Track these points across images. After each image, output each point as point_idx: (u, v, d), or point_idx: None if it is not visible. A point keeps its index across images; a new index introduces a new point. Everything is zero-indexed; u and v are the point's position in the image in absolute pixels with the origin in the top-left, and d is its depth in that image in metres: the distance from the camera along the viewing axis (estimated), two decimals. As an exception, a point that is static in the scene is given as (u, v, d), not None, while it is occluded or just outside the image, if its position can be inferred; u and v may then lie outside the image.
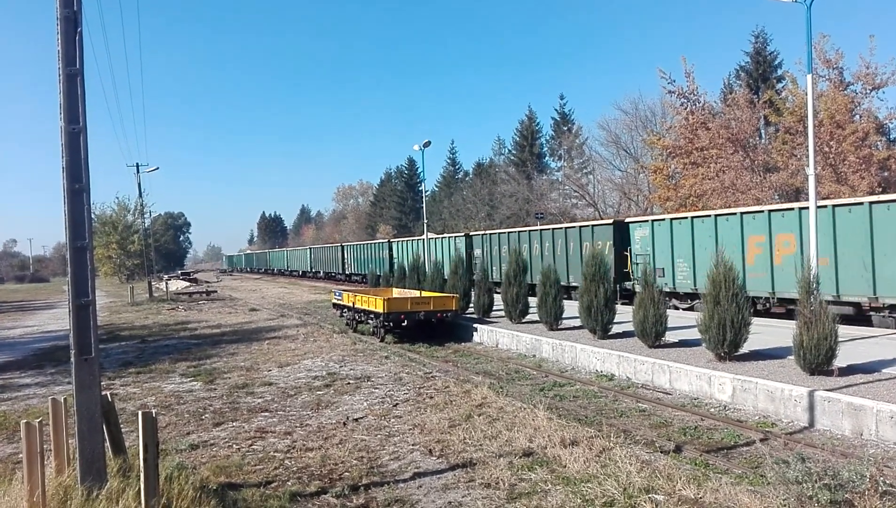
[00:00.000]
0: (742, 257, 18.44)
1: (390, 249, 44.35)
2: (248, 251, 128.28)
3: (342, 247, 56.56)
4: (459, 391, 11.22)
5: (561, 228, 27.07)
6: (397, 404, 10.62)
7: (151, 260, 55.33)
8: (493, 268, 30.48)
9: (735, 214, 19.24)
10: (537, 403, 9.78)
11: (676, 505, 5.80)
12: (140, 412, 5.49)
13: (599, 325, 14.92)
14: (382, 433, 8.89)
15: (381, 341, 18.61)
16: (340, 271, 53.83)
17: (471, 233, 35.81)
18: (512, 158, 71.76)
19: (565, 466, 7.00)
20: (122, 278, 72.99)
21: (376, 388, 12.01)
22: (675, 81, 33.51)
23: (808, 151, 14.11)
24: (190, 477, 6.34)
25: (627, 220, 24.40)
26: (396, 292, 22.78)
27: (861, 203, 15.99)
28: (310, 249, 69.23)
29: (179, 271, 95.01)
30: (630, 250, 23.16)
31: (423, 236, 35.77)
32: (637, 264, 22.27)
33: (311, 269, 65.47)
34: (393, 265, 38.36)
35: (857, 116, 29.03)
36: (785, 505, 5.56)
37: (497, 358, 15.62)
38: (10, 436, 9.43)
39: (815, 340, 9.97)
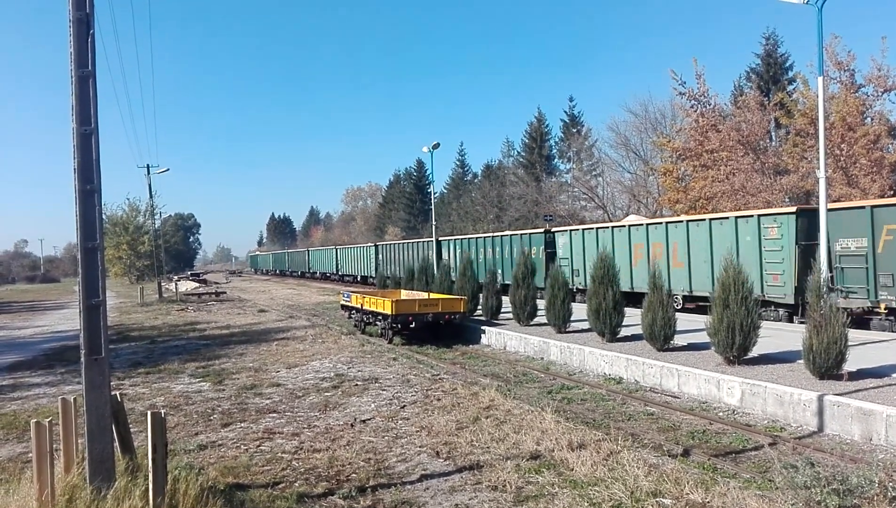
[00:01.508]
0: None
1: (550, 243, 29.18)
2: (278, 250, 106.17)
3: (438, 243, 37.64)
4: (467, 393, 11.22)
5: None
6: (405, 406, 10.63)
7: (161, 261, 55.61)
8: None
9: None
10: (545, 406, 9.77)
11: (684, 509, 5.78)
12: (149, 413, 5.53)
13: (608, 328, 14.89)
14: (390, 435, 8.90)
15: (389, 342, 18.64)
16: (432, 279, 28.00)
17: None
18: (521, 159, 71.69)
19: (573, 469, 6.99)
20: (132, 279, 73.43)
21: (384, 390, 12.02)
22: (685, 83, 33.47)
23: (818, 153, 14.04)
24: (198, 478, 6.37)
25: None
26: (405, 294, 22.80)
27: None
28: (375, 246, 49.34)
29: (189, 272, 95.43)
30: None
31: (605, 224, 27.65)
32: None
33: (375, 273, 44.73)
34: (550, 269, 20.49)
35: (869, 119, 28.87)
36: (793, 510, 5.53)
37: (505, 361, 15.61)
38: (20, 435, 9.50)
39: (824, 344, 9.93)
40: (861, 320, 16.05)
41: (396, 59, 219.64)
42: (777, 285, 17.65)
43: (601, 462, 7.10)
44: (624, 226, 24.49)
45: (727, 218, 19.69)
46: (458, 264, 26.19)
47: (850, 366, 10.22)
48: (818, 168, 13.78)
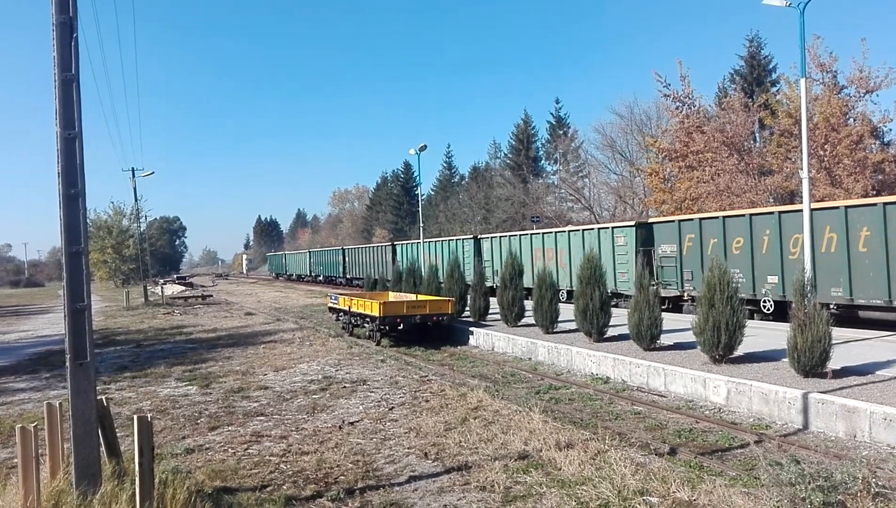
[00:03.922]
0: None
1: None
2: (323, 247, 75.05)
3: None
4: (455, 394, 11.23)
5: None
6: (393, 407, 10.63)
7: (147, 264, 55.21)
8: None
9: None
10: (533, 406, 9.80)
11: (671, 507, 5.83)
12: (135, 417, 5.50)
13: (595, 328, 14.96)
14: (378, 437, 8.90)
15: (377, 344, 18.62)
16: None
17: None
18: (508, 161, 71.84)
19: (560, 469, 7.02)
20: (118, 283, 72.80)
21: (372, 392, 12.01)
22: (670, 85, 33.68)
23: (802, 154, 14.18)
24: (185, 481, 6.35)
25: None
26: (392, 296, 22.79)
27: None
28: (511, 238, 30.37)
29: (175, 276, 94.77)
30: None
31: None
32: None
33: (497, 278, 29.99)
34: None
35: (852, 120, 29.16)
36: (778, 507, 5.58)
37: (493, 361, 15.64)
38: (5, 441, 9.40)
39: (808, 342, 10.03)
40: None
41: (383, 61, 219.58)
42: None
43: (589, 461, 7.14)
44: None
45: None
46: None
47: (834, 364, 10.34)
48: (802, 169, 13.92)
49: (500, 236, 31.86)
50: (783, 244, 17.34)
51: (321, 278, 62.12)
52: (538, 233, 28.98)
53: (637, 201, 45.92)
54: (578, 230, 25.81)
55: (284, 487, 7.07)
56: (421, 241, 35.37)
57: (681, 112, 33.86)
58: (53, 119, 5.79)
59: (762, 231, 17.99)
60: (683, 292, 20.81)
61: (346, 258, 54.16)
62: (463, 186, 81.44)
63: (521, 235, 30.24)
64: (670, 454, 7.98)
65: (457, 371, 14.57)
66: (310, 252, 68.58)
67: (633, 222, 23.33)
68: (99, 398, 6.01)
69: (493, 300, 20.61)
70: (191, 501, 5.90)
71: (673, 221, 21.36)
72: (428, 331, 18.84)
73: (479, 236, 34.21)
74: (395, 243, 45.62)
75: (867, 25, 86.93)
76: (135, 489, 5.48)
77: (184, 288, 59.39)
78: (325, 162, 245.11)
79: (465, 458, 7.70)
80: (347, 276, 53.06)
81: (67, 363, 5.70)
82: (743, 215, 18.92)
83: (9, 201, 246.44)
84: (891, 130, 31.20)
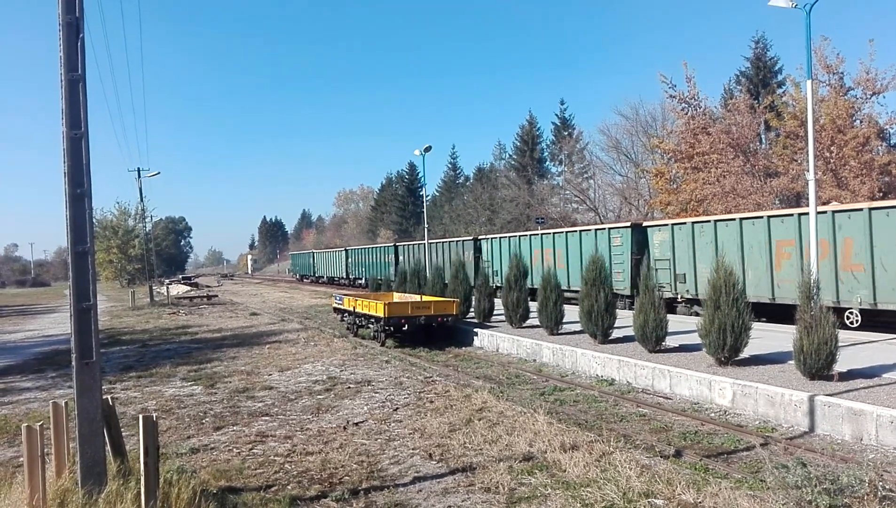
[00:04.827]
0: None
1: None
2: (360, 244, 68.81)
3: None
4: (460, 395, 11.22)
5: None
6: (398, 408, 10.62)
7: (152, 264, 55.34)
8: None
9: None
10: (537, 407, 9.77)
11: (676, 510, 5.80)
12: (141, 416, 5.51)
13: (600, 330, 14.93)
14: (383, 438, 8.89)
15: (382, 345, 18.62)
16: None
17: None
18: (513, 162, 71.81)
19: (565, 470, 7.00)
20: (123, 283, 73.08)
21: (377, 392, 12.01)
22: (675, 86, 33.64)
23: (808, 155, 14.12)
24: (190, 481, 6.35)
25: None
26: (397, 297, 22.79)
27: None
28: (719, 225, 20.03)
29: (180, 276, 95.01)
30: None
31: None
32: None
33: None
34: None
35: (858, 121, 29.07)
36: (784, 510, 5.56)
37: (497, 363, 15.62)
38: (11, 440, 9.43)
39: (815, 345, 9.98)
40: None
41: (388, 63, 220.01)
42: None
43: (593, 463, 7.12)
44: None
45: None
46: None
47: (840, 366, 10.28)
48: (808, 170, 13.86)
49: (697, 223, 20.87)
50: None
51: (362, 281, 49.87)
52: (775, 215, 18.60)
53: (642, 202, 45.86)
54: (861, 209, 16.17)
55: (289, 487, 7.07)
56: (529, 234, 29.81)
57: (686, 113, 33.83)
58: (60, 119, 5.81)
59: None
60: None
61: (400, 258, 43.60)
62: (468, 187, 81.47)
63: (735, 219, 19.52)
64: (676, 456, 7.95)
65: (461, 372, 14.56)
66: (346, 250, 57.46)
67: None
68: (104, 397, 6.02)
69: (498, 302, 20.59)
70: (195, 500, 5.91)
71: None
72: (432, 332, 18.83)
73: (643, 225, 23.79)
74: (480, 238, 35.59)
75: (874, 26, 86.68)
76: (140, 488, 5.50)
77: (189, 288, 59.51)
78: (330, 163, 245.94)
79: (470, 459, 7.68)
80: None
81: (73, 363, 5.71)
82: None
83: (15, 201, 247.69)
84: (898, 131, 31.11)
